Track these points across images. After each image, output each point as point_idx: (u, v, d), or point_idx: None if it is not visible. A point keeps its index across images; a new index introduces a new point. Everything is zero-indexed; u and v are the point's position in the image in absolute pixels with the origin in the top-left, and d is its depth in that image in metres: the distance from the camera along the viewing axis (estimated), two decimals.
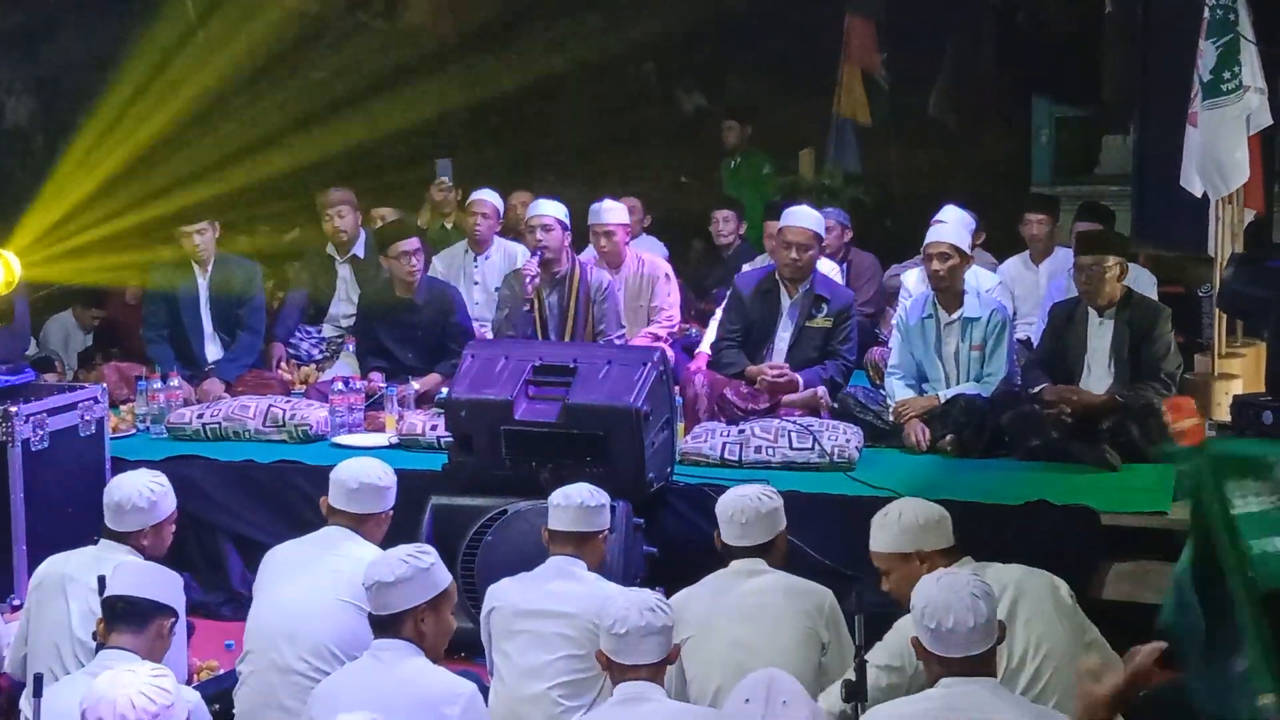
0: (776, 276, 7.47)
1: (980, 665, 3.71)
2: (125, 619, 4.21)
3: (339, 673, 4.40)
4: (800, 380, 7.22)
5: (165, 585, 4.33)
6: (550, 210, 7.76)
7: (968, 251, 7.24)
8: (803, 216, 7.50)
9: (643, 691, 3.99)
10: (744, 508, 4.83)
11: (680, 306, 8.61)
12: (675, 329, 8.38)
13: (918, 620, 3.76)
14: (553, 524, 4.99)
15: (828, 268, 8.28)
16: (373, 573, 4.24)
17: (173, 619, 4.33)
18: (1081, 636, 4.38)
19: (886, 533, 4.64)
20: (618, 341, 7.62)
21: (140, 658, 4.12)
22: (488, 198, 8.97)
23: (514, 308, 7.66)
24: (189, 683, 4.96)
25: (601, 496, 5.04)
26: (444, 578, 4.30)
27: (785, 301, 7.44)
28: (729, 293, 7.67)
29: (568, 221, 7.82)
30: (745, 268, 8.52)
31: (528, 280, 7.57)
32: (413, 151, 13.11)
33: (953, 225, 7.43)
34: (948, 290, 7.12)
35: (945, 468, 6.68)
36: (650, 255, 8.76)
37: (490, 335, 8.20)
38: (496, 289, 8.67)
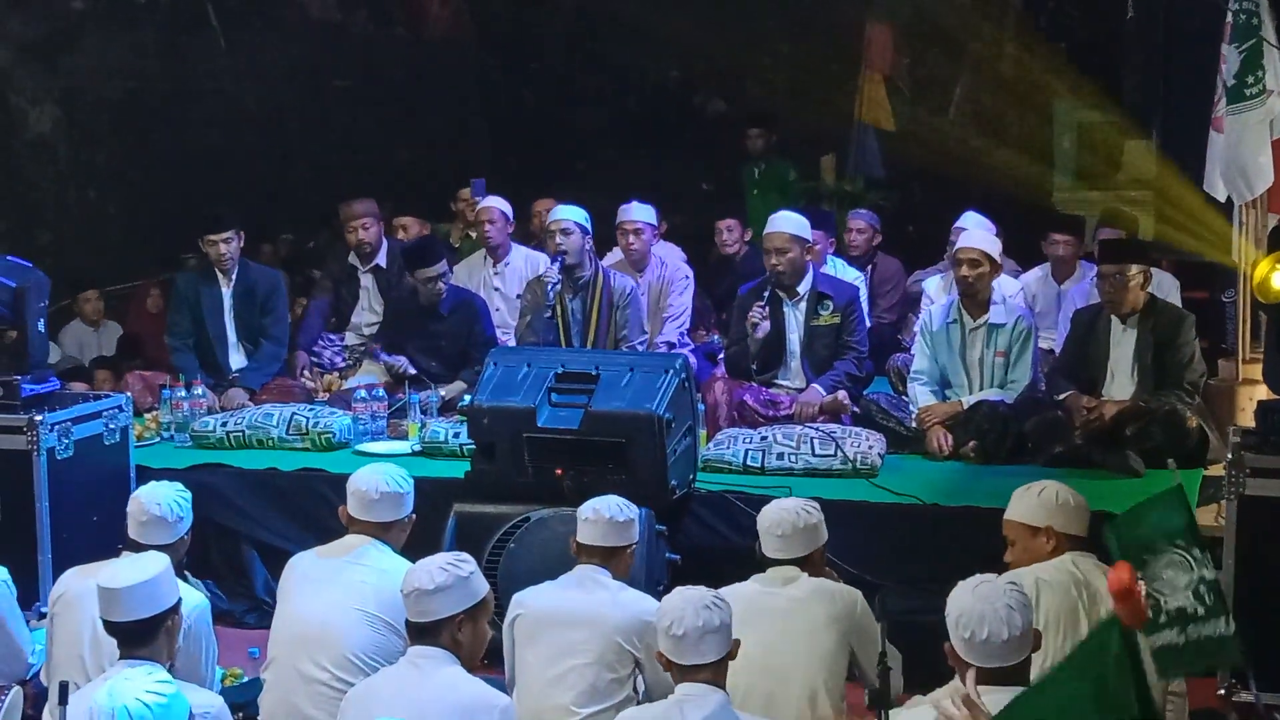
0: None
1: (1013, 674, 3.70)
2: (133, 640, 4.21)
3: (375, 678, 4.41)
4: (820, 391, 7.23)
5: (154, 591, 4.23)
6: (569, 214, 7.78)
7: (998, 260, 7.22)
8: (780, 222, 7.46)
9: (700, 694, 3.98)
10: (781, 520, 4.84)
11: (693, 309, 8.63)
12: (685, 330, 8.39)
13: (952, 628, 3.75)
14: (581, 537, 4.98)
15: (853, 275, 8.28)
16: (412, 580, 4.23)
17: (175, 610, 4.32)
18: None
19: (1024, 503, 4.73)
20: (640, 348, 7.64)
21: (161, 662, 4.14)
22: (494, 204, 8.97)
23: (535, 314, 7.67)
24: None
25: (631, 510, 5.02)
26: (482, 587, 4.30)
27: (787, 306, 7.44)
28: (734, 304, 7.69)
29: (588, 226, 7.83)
30: None
31: (550, 286, 7.58)
32: (435, 160, 13.16)
33: (982, 233, 7.43)
34: (975, 296, 7.11)
35: (968, 474, 6.66)
36: (672, 258, 8.78)
37: (512, 343, 8.21)
38: (518, 296, 8.70)
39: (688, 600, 4.06)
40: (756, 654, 4.53)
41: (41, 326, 6.35)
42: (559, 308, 7.64)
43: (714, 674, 4.04)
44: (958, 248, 7.25)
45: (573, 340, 7.66)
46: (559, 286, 7.61)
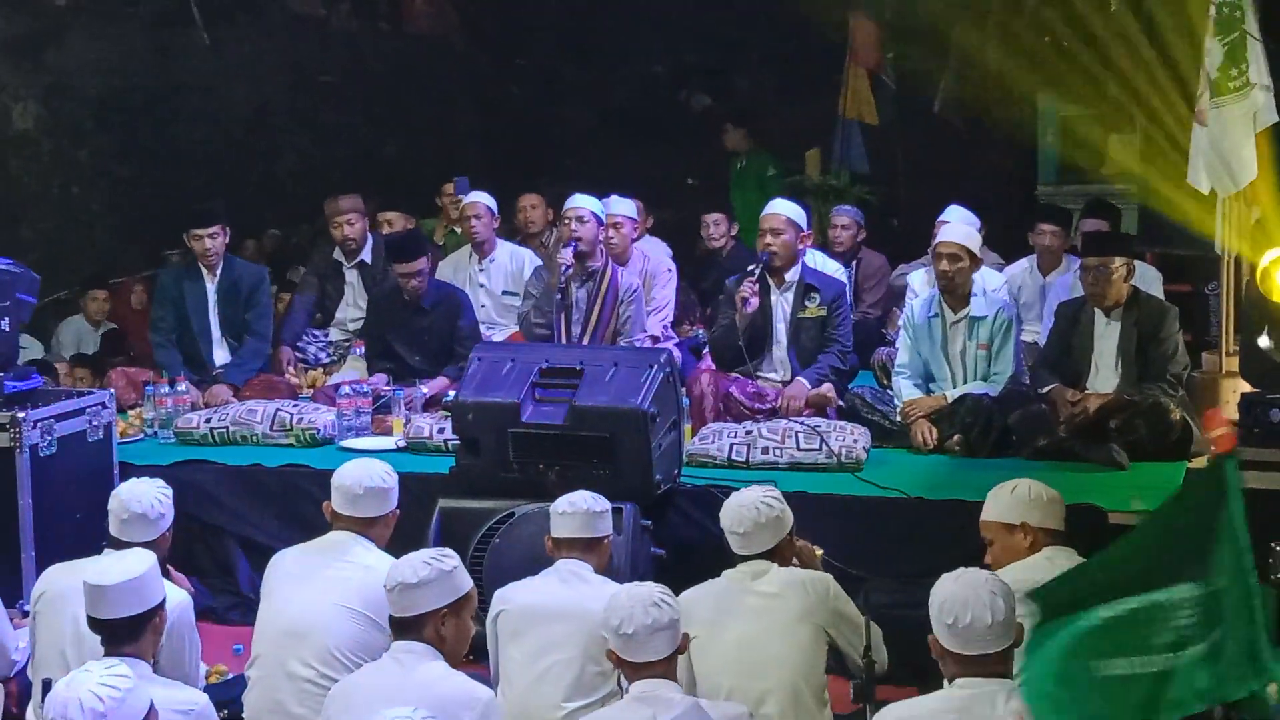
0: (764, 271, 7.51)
1: (996, 664, 3.71)
2: (118, 637, 4.21)
3: (358, 673, 4.41)
4: (806, 384, 7.23)
5: (141, 589, 4.25)
6: (585, 204, 7.86)
7: (977, 254, 7.23)
8: (776, 205, 7.58)
9: (657, 690, 4.00)
10: (742, 518, 4.82)
11: (678, 303, 8.63)
12: (669, 322, 8.39)
13: (935, 616, 3.76)
14: (557, 532, 4.98)
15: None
16: (396, 574, 4.24)
17: (161, 608, 4.31)
18: None
19: (998, 502, 4.79)
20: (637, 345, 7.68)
21: (145, 659, 4.14)
22: (479, 199, 8.98)
23: (542, 296, 7.71)
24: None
25: (604, 502, 5.04)
26: (465, 582, 4.30)
27: (774, 294, 7.45)
28: (721, 295, 7.71)
29: (603, 217, 7.91)
30: None
31: (562, 269, 7.61)
32: (421, 155, 13.13)
33: (962, 227, 7.44)
34: (955, 290, 7.13)
35: (953, 467, 6.67)
36: (655, 253, 8.79)
37: (496, 338, 8.22)
38: (504, 291, 8.71)
39: (635, 599, 4.10)
40: (734, 652, 4.55)
41: (6, 324, 6.29)
42: (565, 293, 7.67)
43: (665, 670, 4.08)
44: (936, 242, 7.27)
45: (572, 328, 7.67)
46: (570, 271, 7.65)
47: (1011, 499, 4.75)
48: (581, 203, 7.86)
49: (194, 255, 8.19)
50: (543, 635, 4.76)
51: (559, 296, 7.63)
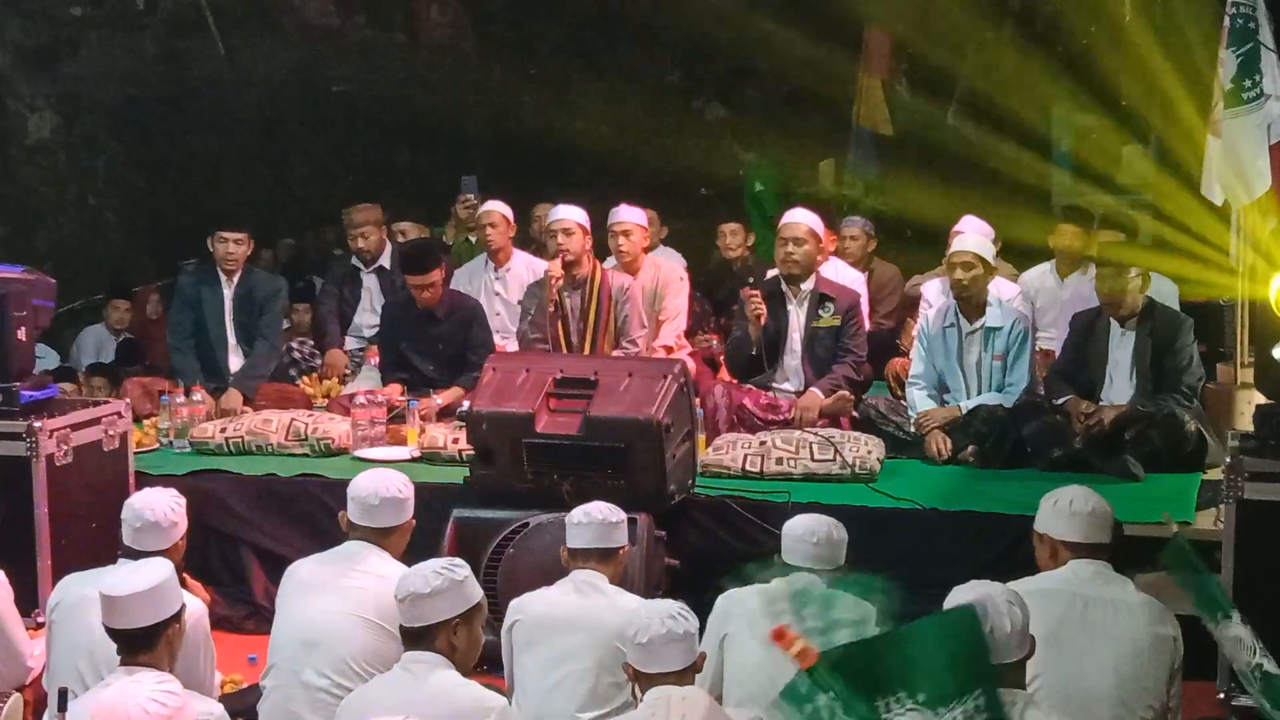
0: (780, 281, 7.52)
1: (1011, 675, 3.70)
2: (134, 646, 4.21)
3: (369, 684, 4.41)
4: (819, 395, 7.25)
5: (157, 598, 4.23)
6: (571, 214, 7.85)
7: (991, 262, 7.23)
8: (797, 214, 7.61)
9: (671, 692, 4.00)
10: (816, 530, 4.80)
11: (693, 313, 8.63)
12: (681, 332, 8.40)
13: None
14: (573, 543, 4.98)
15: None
16: (407, 584, 4.24)
17: (178, 618, 4.32)
18: None
19: (1039, 509, 4.73)
20: (640, 342, 7.68)
21: (161, 669, 4.14)
22: (495, 207, 9.00)
23: (537, 311, 7.73)
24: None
25: (619, 513, 5.04)
26: (476, 592, 4.30)
27: (791, 304, 7.47)
28: (736, 305, 7.74)
29: (588, 225, 7.89)
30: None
31: (553, 282, 7.62)
32: (434, 165, 13.17)
33: (976, 235, 7.45)
34: (970, 300, 7.13)
35: (967, 479, 6.67)
36: (667, 261, 8.79)
37: (510, 348, 8.22)
38: (519, 301, 8.71)
39: (653, 611, 4.13)
40: (763, 651, 4.52)
41: (23, 334, 6.29)
42: (558, 304, 7.68)
43: (678, 681, 4.07)
44: (951, 251, 7.29)
45: (571, 336, 7.68)
46: (560, 283, 7.67)
47: (1041, 507, 4.70)
48: (565, 214, 7.86)
49: (212, 262, 8.21)
50: (557, 645, 4.75)
51: (552, 309, 7.65)
